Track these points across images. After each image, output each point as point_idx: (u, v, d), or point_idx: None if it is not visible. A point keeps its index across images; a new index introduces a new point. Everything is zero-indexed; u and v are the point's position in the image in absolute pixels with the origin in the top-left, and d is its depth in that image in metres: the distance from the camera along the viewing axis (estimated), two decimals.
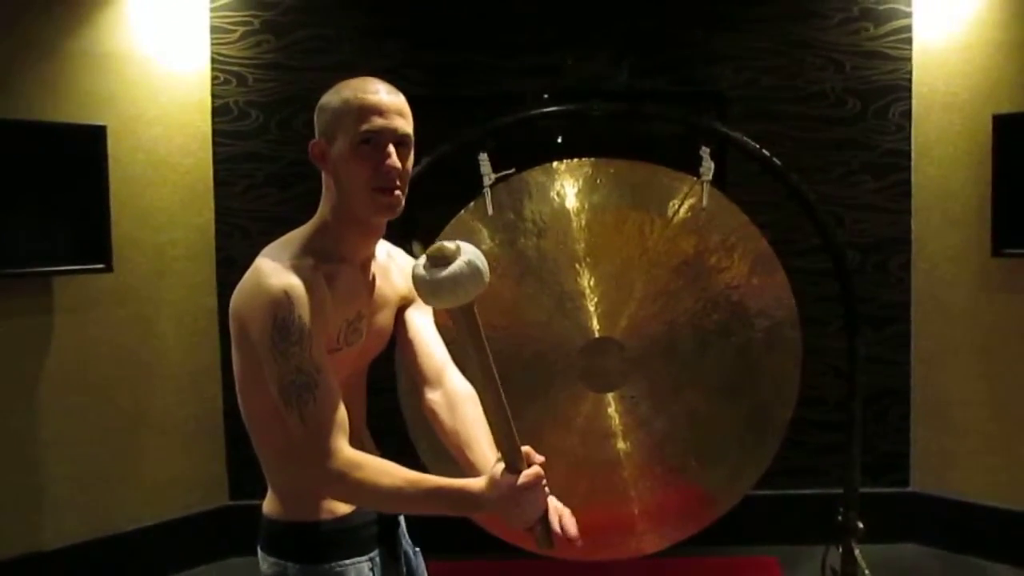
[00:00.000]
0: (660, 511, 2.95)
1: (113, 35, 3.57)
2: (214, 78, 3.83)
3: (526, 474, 1.42)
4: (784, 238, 3.42)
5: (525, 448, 1.44)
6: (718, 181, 3.05)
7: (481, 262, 1.37)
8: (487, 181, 2.89)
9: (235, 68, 3.84)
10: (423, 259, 1.39)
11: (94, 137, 3.40)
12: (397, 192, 1.52)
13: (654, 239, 2.95)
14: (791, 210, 3.17)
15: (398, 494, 1.44)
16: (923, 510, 3.86)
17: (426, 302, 1.42)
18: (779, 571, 3.62)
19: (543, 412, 2.90)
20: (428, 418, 1.68)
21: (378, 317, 1.65)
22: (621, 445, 2.94)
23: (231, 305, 1.51)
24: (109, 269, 3.44)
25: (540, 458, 1.46)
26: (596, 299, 2.94)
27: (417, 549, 1.73)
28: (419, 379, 1.70)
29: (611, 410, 2.95)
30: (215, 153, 3.85)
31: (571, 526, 1.47)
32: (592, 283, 2.94)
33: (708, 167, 2.91)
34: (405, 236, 2.73)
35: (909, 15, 3.79)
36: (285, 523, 1.56)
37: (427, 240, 2.99)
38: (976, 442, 3.77)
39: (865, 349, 3.06)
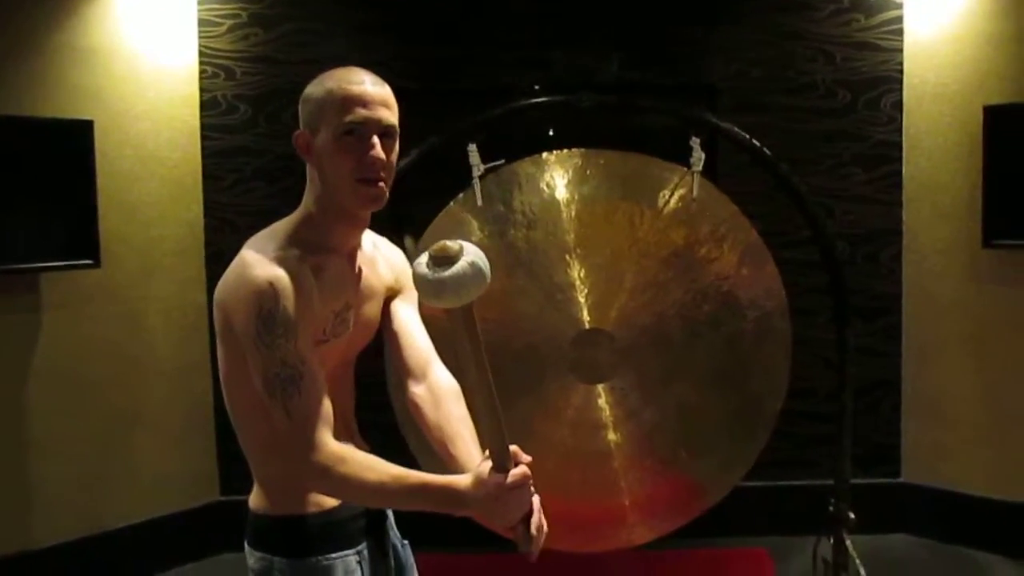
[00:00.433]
0: (651, 502, 2.94)
1: (100, 29, 3.55)
2: (202, 72, 3.81)
3: (514, 474, 1.42)
4: (774, 229, 3.41)
5: (512, 447, 1.44)
6: (709, 173, 3.05)
7: (484, 263, 1.37)
8: (476, 172, 2.88)
9: (223, 62, 3.82)
10: (425, 258, 1.37)
11: (81, 132, 3.38)
12: (381, 184, 1.51)
13: (644, 230, 2.95)
14: (781, 201, 3.17)
15: (382, 489, 1.43)
16: (914, 501, 3.87)
17: (427, 302, 1.40)
18: (770, 562, 3.62)
19: (533, 404, 2.90)
20: (411, 411, 1.67)
21: (365, 308, 1.63)
22: (611, 436, 2.93)
23: (215, 297, 1.50)
24: (97, 265, 3.42)
25: (527, 458, 1.46)
26: (586, 290, 2.94)
27: (406, 542, 1.73)
28: (403, 372, 1.69)
29: (601, 401, 2.94)
30: (203, 147, 3.83)
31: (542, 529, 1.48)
32: (582, 274, 2.94)
33: (698, 157, 2.90)
34: (395, 228, 2.71)
35: (900, 6, 3.78)
36: (271, 517, 1.55)
37: (419, 233, 3.00)
38: (967, 433, 3.77)
39: (855, 340, 3.06)
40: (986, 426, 3.73)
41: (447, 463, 1.57)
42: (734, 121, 3.12)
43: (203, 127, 3.83)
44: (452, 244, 1.37)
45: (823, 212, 3.46)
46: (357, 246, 1.62)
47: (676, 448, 2.95)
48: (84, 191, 3.38)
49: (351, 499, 1.53)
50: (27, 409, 3.41)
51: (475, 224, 2.93)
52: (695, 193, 2.94)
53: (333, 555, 1.54)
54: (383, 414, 2.67)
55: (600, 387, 2.95)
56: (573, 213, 2.96)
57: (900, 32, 3.80)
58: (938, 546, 3.78)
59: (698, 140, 2.90)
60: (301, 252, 1.48)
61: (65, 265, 3.36)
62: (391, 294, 1.71)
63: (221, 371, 1.53)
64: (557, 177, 2.97)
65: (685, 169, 2.94)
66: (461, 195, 2.94)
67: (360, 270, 1.62)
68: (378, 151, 1.49)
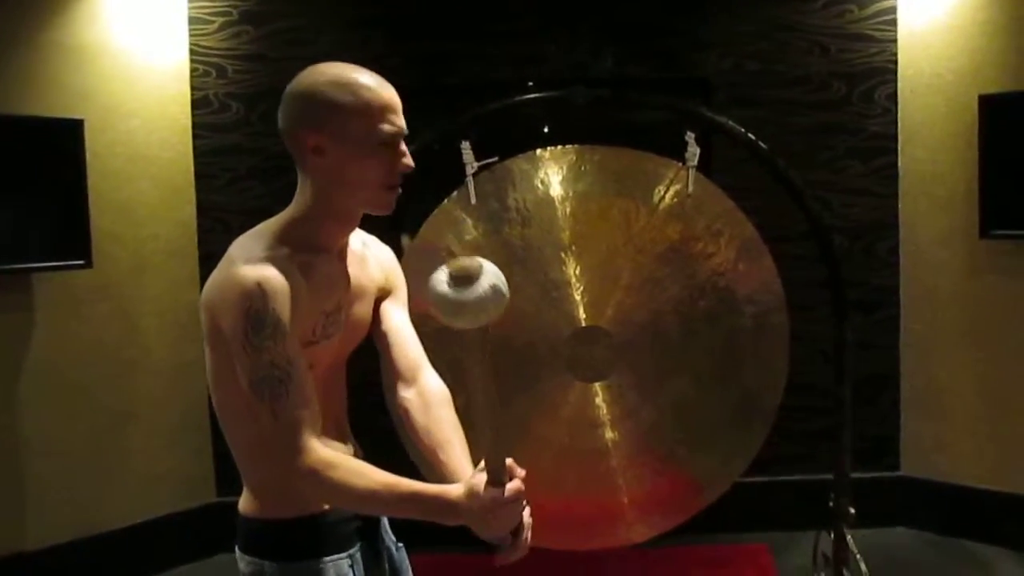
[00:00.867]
0: (649, 500, 2.93)
1: (90, 27, 3.52)
2: (193, 70, 3.79)
3: (509, 488, 1.40)
4: (771, 223, 3.38)
5: (508, 461, 1.42)
6: (704, 168, 3.03)
7: (504, 284, 1.36)
8: (470, 170, 2.86)
9: (214, 60, 3.79)
10: (444, 275, 1.36)
11: (72, 131, 3.35)
12: (399, 189, 1.53)
13: (640, 226, 2.93)
14: (778, 195, 3.15)
15: (373, 496, 1.41)
16: (914, 494, 3.86)
17: (445, 321, 1.38)
18: (770, 558, 3.61)
19: (530, 402, 2.88)
20: (400, 416, 1.65)
21: (356, 308, 1.61)
22: (609, 434, 2.91)
23: (202, 297, 1.47)
24: (89, 265, 3.40)
25: (522, 472, 1.44)
26: (582, 288, 2.92)
27: (400, 544, 1.70)
28: (393, 375, 1.67)
29: (598, 399, 2.92)
30: (195, 146, 3.81)
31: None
32: (578, 271, 2.92)
33: (693, 152, 2.88)
34: (391, 227, 2.69)
35: None
36: (261, 521, 1.53)
37: (414, 232, 2.98)
38: (966, 425, 3.76)
39: (853, 334, 3.04)
40: (985, 418, 3.72)
41: (436, 468, 1.55)
42: (729, 115, 3.10)
43: (195, 126, 3.80)
44: (472, 263, 1.36)
45: (820, 205, 3.44)
46: (346, 245, 1.60)
47: (674, 445, 2.94)
48: (75, 191, 3.36)
49: (341, 504, 1.51)
50: (20, 410, 3.39)
51: (469, 222, 2.91)
52: (690, 188, 2.92)
53: (325, 559, 1.52)
54: (377, 416, 2.65)
55: (597, 385, 2.93)
56: (568, 210, 2.94)
57: (894, 23, 3.78)
58: (938, 539, 3.77)
59: (693, 135, 2.88)
60: (290, 251, 1.46)
61: (56, 265, 3.34)
62: (382, 294, 1.69)
63: (208, 373, 1.51)
64: (551, 174, 2.95)
65: (680, 164, 2.92)
66: (455, 193, 2.92)
67: (350, 270, 1.60)
68: (409, 159, 1.52)
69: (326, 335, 1.52)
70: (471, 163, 2.85)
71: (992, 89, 3.53)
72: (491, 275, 1.35)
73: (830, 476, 3.03)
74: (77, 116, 3.40)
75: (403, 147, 1.51)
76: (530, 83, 3.69)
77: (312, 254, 1.50)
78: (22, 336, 3.39)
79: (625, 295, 2.93)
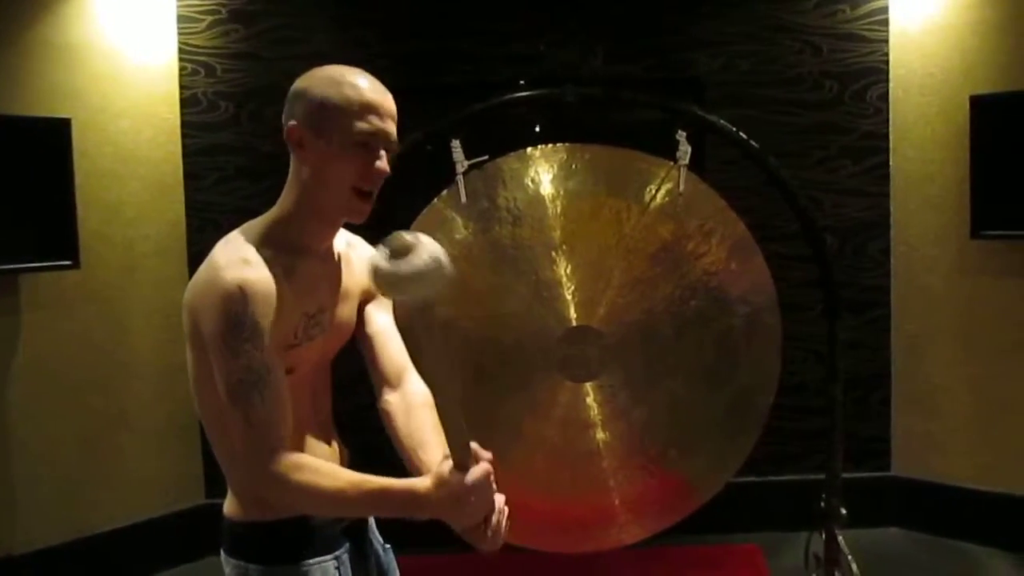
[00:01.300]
0: (641, 501, 2.92)
1: (78, 25, 3.50)
2: (182, 69, 3.76)
3: (474, 471, 1.38)
4: (763, 223, 3.39)
5: (473, 445, 1.41)
6: (696, 167, 3.01)
7: (444, 257, 1.33)
8: (460, 169, 2.84)
9: (203, 58, 3.77)
10: (382, 249, 1.34)
11: (59, 130, 3.33)
12: (373, 198, 1.50)
13: (631, 225, 2.91)
14: (769, 195, 3.14)
15: (341, 496, 1.40)
16: (905, 494, 3.86)
17: (383, 293, 1.38)
18: (762, 558, 3.60)
19: (521, 403, 2.86)
20: (383, 419, 1.63)
21: (340, 310, 1.59)
22: (601, 435, 2.90)
23: (184, 299, 1.46)
24: (77, 266, 3.38)
25: (488, 455, 1.43)
26: (573, 287, 2.90)
27: (387, 546, 1.69)
28: (377, 378, 1.65)
29: (590, 400, 2.91)
30: (184, 146, 3.79)
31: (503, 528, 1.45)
32: (569, 271, 2.90)
33: (685, 151, 2.87)
34: (380, 226, 2.68)
35: None
36: (245, 524, 1.52)
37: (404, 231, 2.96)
38: (957, 425, 3.76)
39: (845, 334, 3.04)
40: (976, 418, 3.72)
41: (418, 469, 1.53)
42: (721, 114, 3.09)
43: (184, 125, 3.78)
44: (409, 237, 1.33)
45: (811, 205, 3.43)
46: (331, 246, 1.58)
47: (666, 446, 2.92)
48: (62, 191, 3.33)
49: (310, 509, 1.48)
50: (8, 412, 3.36)
51: (459, 221, 2.89)
52: (682, 187, 2.90)
53: (310, 561, 1.50)
54: (367, 417, 2.64)
55: (589, 385, 2.92)
56: (559, 209, 2.92)
57: (885, 23, 3.78)
58: (929, 539, 3.76)
59: (684, 134, 2.87)
60: (273, 253, 1.44)
61: (43, 266, 3.31)
62: (366, 296, 1.67)
63: (190, 375, 1.49)
64: (542, 172, 2.94)
65: (672, 163, 2.90)
66: (445, 192, 2.90)
67: (334, 271, 1.58)
68: (384, 164, 1.48)
69: (308, 337, 1.50)
70: (461, 162, 2.83)
71: (983, 89, 3.53)
72: (428, 247, 1.33)
73: (822, 476, 3.02)
74: (64, 115, 3.37)
75: (381, 152, 1.48)
76: (522, 82, 3.68)
77: (295, 255, 1.48)
78: (9, 337, 3.37)
79: (617, 295, 2.91)
